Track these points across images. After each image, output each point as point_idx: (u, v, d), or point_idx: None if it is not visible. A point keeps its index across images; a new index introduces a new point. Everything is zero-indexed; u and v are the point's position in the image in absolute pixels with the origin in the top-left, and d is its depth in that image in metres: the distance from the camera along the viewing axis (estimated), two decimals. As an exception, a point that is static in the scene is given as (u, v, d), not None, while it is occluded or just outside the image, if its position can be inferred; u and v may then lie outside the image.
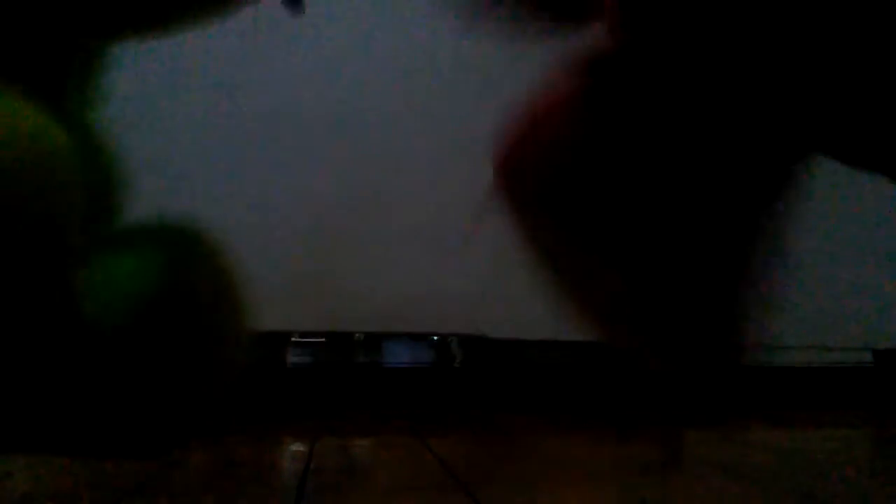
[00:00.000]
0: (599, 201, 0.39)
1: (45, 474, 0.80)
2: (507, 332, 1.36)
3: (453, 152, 1.39)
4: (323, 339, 1.40)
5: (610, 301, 0.41)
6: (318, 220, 1.35)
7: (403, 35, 1.38)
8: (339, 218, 1.35)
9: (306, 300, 1.34)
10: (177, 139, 1.30)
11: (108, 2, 0.45)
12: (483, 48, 1.40)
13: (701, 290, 0.38)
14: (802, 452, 1.00)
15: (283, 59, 1.35)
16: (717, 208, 0.37)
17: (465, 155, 1.38)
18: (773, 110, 0.34)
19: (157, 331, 0.48)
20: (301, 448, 0.96)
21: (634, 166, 0.38)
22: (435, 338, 1.43)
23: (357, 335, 1.41)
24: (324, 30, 1.35)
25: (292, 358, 1.39)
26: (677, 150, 0.37)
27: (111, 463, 0.85)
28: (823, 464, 0.91)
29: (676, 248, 0.38)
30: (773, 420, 1.29)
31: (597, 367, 1.34)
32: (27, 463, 0.86)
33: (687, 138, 0.36)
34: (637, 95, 0.37)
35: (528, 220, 0.43)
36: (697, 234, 0.38)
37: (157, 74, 1.29)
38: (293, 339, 1.39)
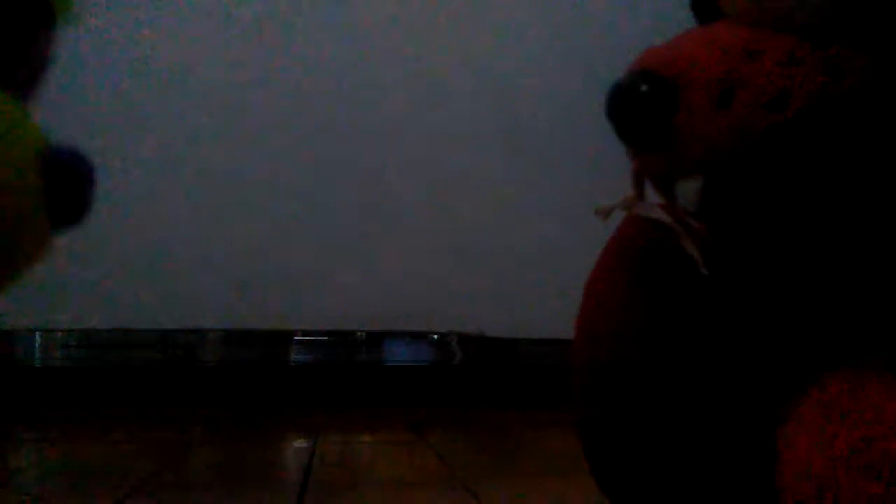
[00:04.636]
0: None
1: (55, 466, 0.81)
2: (506, 330, 1.37)
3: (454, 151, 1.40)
4: (325, 338, 1.42)
5: None
6: (321, 220, 1.36)
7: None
8: (340, 217, 1.36)
9: (309, 299, 1.35)
10: (177, 135, 1.31)
11: None
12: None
13: None
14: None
15: (286, 60, 1.36)
16: None
17: (465, 153, 1.40)
18: None
19: None
20: (305, 444, 0.97)
21: None
22: (435, 336, 1.44)
23: (359, 333, 1.42)
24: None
25: (295, 356, 1.41)
26: None
27: (117, 460, 0.86)
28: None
29: None
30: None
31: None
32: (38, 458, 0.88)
33: None
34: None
35: None
36: None
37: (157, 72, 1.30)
38: (296, 337, 1.41)
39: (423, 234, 1.38)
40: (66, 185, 0.41)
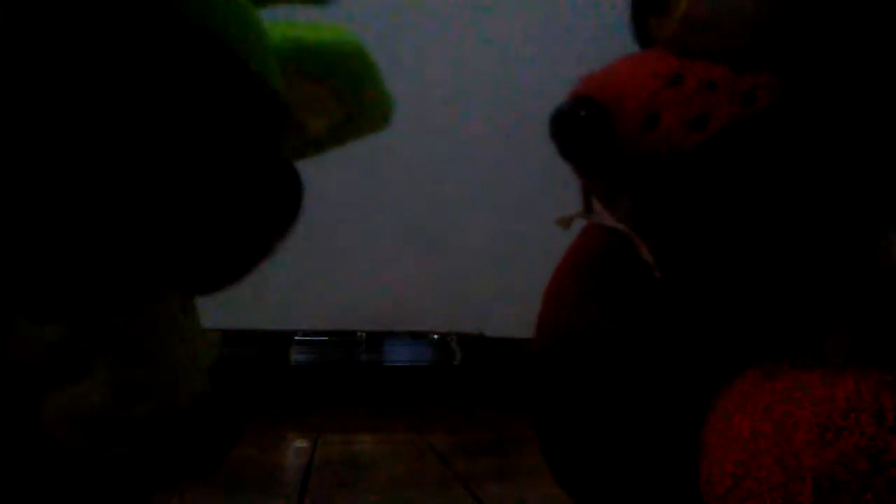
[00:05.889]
0: None
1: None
2: (506, 330, 1.37)
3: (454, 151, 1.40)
4: (326, 338, 1.42)
5: None
6: (320, 220, 1.36)
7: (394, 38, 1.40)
8: (340, 217, 1.36)
9: (309, 299, 1.35)
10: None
11: None
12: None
13: None
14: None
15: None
16: None
17: (464, 154, 1.40)
18: None
19: None
20: (305, 444, 0.97)
21: None
22: (435, 336, 1.44)
23: (359, 333, 1.42)
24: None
25: (296, 356, 1.41)
26: None
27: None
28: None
29: None
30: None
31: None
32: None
33: None
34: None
35: None
36: None
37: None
38: (296, 337, 1.41)
39: (424, 234, 1.38)
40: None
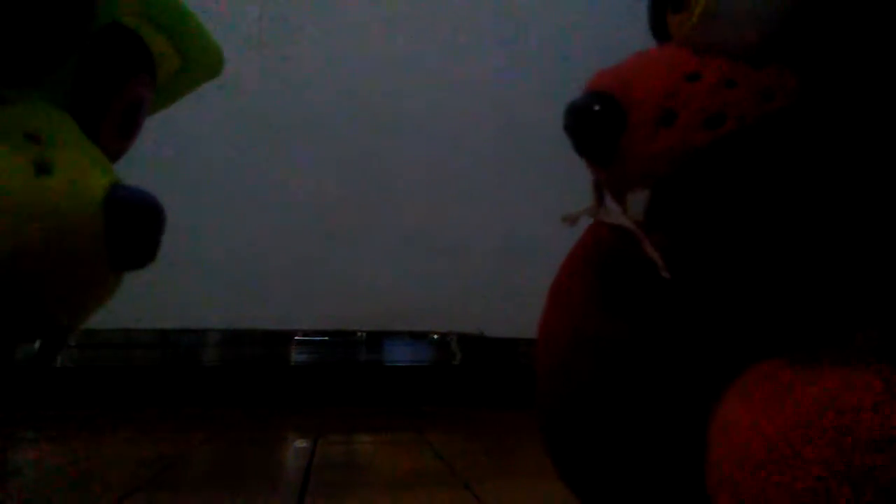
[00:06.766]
0: None
1: (55, 466, 0.81)
2: (506, 330, 1.37)
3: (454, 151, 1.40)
4: (325, 338, 1.42)
5: None
6: (320, 221, 1.36)
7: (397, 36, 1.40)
8: (340, 217, 1.36)
9: (309, 299, 1.35)
10: (177, 136, 1.32)
11: None
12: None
13: None
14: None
15: (285, 62, 1.37)
16: None
17: (465, 154, 1.40)
18: None
19: None
20: (305, 444, 0.97)
21: None
22: (435, 336, 1.44)
23: (359, 333, 1.42)
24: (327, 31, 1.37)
25: (296, 356, 1.41)
26: None
27: (117, 459, 0.87)
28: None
29: None
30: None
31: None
32: (38, 456, 0.88)
33: None
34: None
35: None
36: None
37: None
38: (296, 337, 1.41)
39: (424, 234, 1.38)
40: (129, 230, 0.41)
